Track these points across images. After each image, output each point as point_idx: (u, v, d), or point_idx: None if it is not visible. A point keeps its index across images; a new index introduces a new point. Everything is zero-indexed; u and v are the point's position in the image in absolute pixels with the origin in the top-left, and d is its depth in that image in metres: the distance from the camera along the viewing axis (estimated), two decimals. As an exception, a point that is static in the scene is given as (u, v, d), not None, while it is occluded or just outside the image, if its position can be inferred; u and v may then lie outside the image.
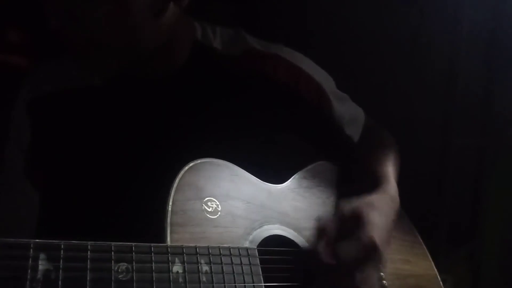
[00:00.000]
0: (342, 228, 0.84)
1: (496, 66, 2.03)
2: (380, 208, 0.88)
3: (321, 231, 0.83)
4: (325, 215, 0.92)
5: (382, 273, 0.93)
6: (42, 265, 0.59)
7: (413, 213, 1.09)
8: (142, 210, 0.77)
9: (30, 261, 0.58)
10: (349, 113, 1.06)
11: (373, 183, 0.96)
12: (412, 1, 1.89)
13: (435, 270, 1.04)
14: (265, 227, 0.84)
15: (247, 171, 0.87)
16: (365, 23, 1.91)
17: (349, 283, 0.80)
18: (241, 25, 1.02)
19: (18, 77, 0.97)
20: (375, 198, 0.90)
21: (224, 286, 0.72)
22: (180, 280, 0.68)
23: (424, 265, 1.04)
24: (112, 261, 0.64)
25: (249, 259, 0.77)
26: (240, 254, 0.76)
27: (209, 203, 0.78)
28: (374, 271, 0.82)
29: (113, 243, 0.65)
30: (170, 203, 0.74)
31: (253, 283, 0.75)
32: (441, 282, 1.03)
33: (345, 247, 0.81)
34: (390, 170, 1.00)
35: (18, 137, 0.94)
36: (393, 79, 1.91)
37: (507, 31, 1.95)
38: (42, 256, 0.59)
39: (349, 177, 1.03)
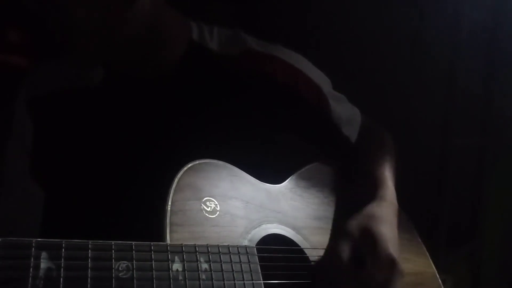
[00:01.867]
0: (356, 249, 0.85)
1: (496, 66, 2.04)
2: (385, 218, 0.89)
3: (337, 259, 0.84)
4: (322, 216, 0.94)
5: None
6: (44, 264, 0.59)
7: (413, 213, 1.09)
8: (142, 210, 0.78)
9: (32, 260, 0.59)
10: (346, 114, 1.07)
11: (370, 187, 0.97)
12: (412, 1, 1.89)
13: (434, 268, 1.05)
14: (264, 226, 0.84)
15: (245, 171, 0.88)
16: (365, 23, 1.91)
17: None
18: (241, 25, 1.02)
19: (18, 77, 0.97)
20: (376, 208, 0.91)
21: (224, 283, 0.72)
22: (180, 278, 0.69)
23: (422, 263, 1.04)
24: (113, 260, 0.64)
25: (248, 257, 0.77)
26: (239, 252, 0.76)
27: (207, 203, 0.79)
28: (397, 283, 0.84)
29: (113, 242, 0.65)
30: (169, 203, 0.74)
31: (252, 280, 0.76)
32: (439, 280, 1.04)
33: (371, 272, 0.82)
34: (387, 173, 1.01)
35: (20, 138, 0.94)
36: (393, 79, 1.91)
37: (507, 31, 1.95)
38: (43, 255, 0.60)
39: (347, 177, 1.03)
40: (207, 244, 0.74)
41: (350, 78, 1.44)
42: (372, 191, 0.96)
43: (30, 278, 0.58)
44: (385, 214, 0.90)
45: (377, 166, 1.02)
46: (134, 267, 0.65)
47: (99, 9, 0.81)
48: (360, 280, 0.82)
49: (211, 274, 0.72)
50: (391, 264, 0.83)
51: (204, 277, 0.71)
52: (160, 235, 0.72)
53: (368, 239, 0.85)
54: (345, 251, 0.84)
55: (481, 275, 2.14)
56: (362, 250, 0.84)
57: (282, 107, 0.99)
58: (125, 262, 0.65)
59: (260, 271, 0.78)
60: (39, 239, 0.60)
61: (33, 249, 0.59)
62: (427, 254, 1.06)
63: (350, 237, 0.86)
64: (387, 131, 1.15)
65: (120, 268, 0.64)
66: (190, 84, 0.94)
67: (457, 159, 1.92)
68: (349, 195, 1.00)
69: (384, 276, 0.83)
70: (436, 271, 1.04)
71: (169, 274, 0.68)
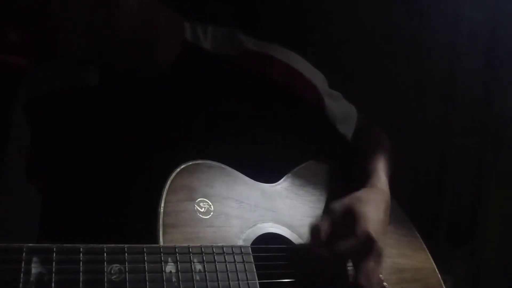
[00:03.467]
0: (336, 226, 0.85)
1: (496, 66, 2.04)
2: (370, 201, 0.90)
3: (315, 231, 0.84)
4: (319, 213, 0.93)
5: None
6: (35, 268, 0.59)
7: (413, 213, 1.09)
8: (138, 211, 0.78)
9: (23, 265, 0.59)
10: (342, 112, 1.07)
11: (363, 179, 0.98)
12: (412, 1, 1.89)
13: (433, 263, 1.04)
14: (259, 225, 0.84)
15: (241, 171, 0.88)
16: (365, 23, 1.91)
17: (351, 279, 0.82)
18: (241, 25, 1.02)
19: (18, 77, 0.98)
20: (364, 192, 0.92)
21: (218, 284, 0.72)
22: (174, 279, 0.68)
23: (421, 259, 1.04)
24: (105, 263, 0.64)
25: (242, 257, 0.77)
26: (233, 252, 0.76)
27: (201, 204, 0.78)
28: (375, 266, 0.83)
29: (105, 245, 0.65)
30: (162, 205, 0.74)
31: (247, 280, 0.75)
32: (439, 275, 1.03)
33: (343, 245, 0.82)
34: (380, 165, 1.01)
35: (18, 138, 0.95)
36: (393, 79, 1.91)
37: (507, 31, 1.95)
38: (34, 259, 0.60)
39: (342, 175, 1.03)
40: (200, 245, 0.73)
41: (350, 78, 1.44)
42: (363, 181, 0.97)
43: (21, 283, 0.58)
44: (371, 198, 0.91)
45: (371, 161, 1.02)
46: (127, 270, 0.65)
47: (88, 8, 0.81)
48: (335, 253, 0.82)
49: (205, 274, 0.71)
50: (367, 240, 0.82)
51: (198, 278, 0.71)
52: (153, 237, 0.72)
53: (349, 217, 0.85)
54: (324, 225, 0.84)
55: (481, 275, 2.14)
56: (341, 228, 0.84)
57: (280, 106, 0.99)
58: (117, 265, 0.65)
59: (255, 270, 0.77)
60: (30, 244, 0.60)
61: (23, 254, 0.59)
62: (426, 250, 1.06)
63: (331, 214, 0.87)
64: (386, 131, 1.15)
65: (112, 271, 0.64)
66: (187, 84, 0.94)
67: (457, 159, 1.92)
68: (342, 191, 1.00)
69: (359, 252, 0.82)
70: (435, 267, 1.04)
71: (162, 276, 0.68)
